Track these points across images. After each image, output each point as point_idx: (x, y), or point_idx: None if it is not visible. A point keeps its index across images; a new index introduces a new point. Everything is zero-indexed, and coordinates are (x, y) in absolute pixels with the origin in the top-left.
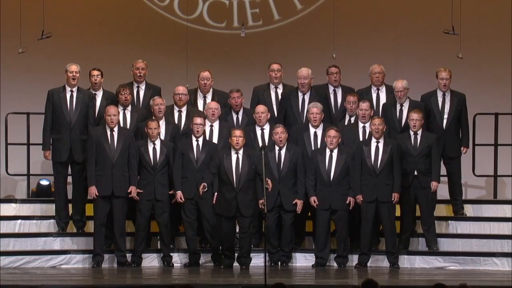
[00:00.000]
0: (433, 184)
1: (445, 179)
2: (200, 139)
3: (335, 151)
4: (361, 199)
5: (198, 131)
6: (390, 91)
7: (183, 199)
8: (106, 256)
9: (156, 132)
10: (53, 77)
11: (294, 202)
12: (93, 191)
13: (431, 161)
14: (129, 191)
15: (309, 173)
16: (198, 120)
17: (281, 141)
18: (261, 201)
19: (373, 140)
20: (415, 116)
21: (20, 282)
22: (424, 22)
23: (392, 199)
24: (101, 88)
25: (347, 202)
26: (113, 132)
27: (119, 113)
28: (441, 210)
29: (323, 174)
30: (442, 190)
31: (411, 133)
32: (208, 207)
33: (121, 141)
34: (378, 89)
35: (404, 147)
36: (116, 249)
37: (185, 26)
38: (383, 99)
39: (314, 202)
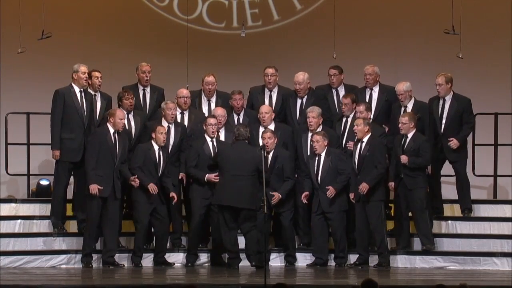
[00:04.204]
0: (402, 157)
1: (446, 179)
2: (214, 140)
3: (323, 155)
4: (352, 197)
5: (213, 132)
6: (383, 91)
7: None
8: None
9: (164, 136)
10: (53, 76)
11: (274, 197)
12: (95, 187)
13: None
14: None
15: (306, 177)
16: (212, 120)
17: (268, 146)
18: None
19: (360, 141)
20: (402, 119)
21: (20, 282)
22: (424, 22)
23: (359, 188)
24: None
25: (327, 187)
26: (116, 135)
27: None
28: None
29: (312, 177)
30: (444, 190)
31: (404, 135)
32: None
33: (122, 143)
34: (371, 89)
35: (396, 149)
36: (108, 249)
37: (185, 26)
38: (374, 98)
39: (305, 197)
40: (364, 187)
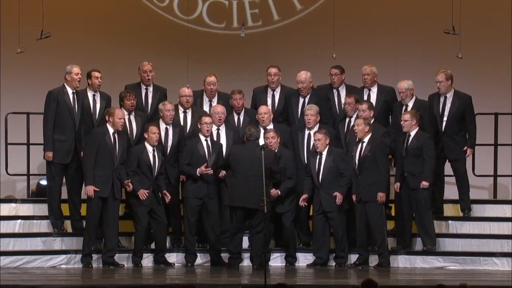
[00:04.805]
0: (422, 183)
1: (446, 179)
2: (209, 139)
3: (324, 153)
4: (355, 199)
5: (207, 130)
6: (381, 91)
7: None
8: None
9: (157, 136)
10: (53, 77)
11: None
12: (91, 189)
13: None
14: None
15: (307, 174)
16: (207, 119)
17: (271, 145)
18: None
19: (360, 141)
20: (404, 117)
21: (20, 282)
22: (424, 22)
23: (377, 199)
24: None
25: (334, 194)
26: (115, 135)
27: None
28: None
29: (313, 176)
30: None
31: (407, 134)
32: (215, 207)
33: (122, 143)
34: (369, 90)
35: (399, 149)
36: (108, 249)
37: (185, 26)
38: (373, 99)
39: (303, 200)
40: (381, 196)
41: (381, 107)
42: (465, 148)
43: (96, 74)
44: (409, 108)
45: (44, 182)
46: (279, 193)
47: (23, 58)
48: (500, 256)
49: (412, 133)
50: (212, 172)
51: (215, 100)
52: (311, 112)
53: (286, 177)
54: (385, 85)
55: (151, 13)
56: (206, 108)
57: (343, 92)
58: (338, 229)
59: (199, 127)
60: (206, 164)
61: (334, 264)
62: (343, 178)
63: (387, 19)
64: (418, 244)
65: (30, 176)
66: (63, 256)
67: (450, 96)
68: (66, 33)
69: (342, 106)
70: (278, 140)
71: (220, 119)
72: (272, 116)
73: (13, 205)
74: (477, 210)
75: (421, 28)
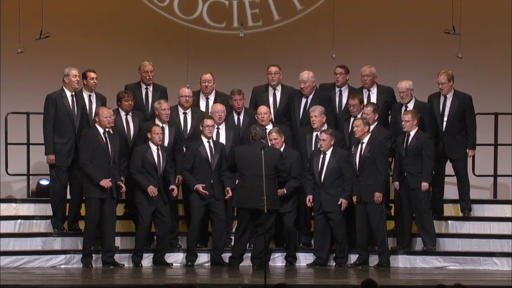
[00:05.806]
0: (423, 184)
1: (446, 178)
2: (211, 140)
3: (328, 154)
4: (355, 200)
5: (209, 132)
6: (381, 91)
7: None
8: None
9: (160, 136)
10: (52, 77)
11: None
12: (106, 182)
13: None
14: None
15: (308, 172)
16: (209, 121)
17: (274, 145)
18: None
19: (360, 141)
20: (405, 117)
21: (20, 282)
22: (424, 22)
23: (374, 199)
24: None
25: (339, 203)
26: (106, 134)
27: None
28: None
29: (315, 175)
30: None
31: (406, 133)
32: (222, 208)
33: (113, 142)
34: (369, 91)
35: (399, 148)
36: (106, 249)
37: (185, 26)
38: (373, 100)
39: (309, 201)
40: (378, 196)
41: (382, 107)
42: (467, 150)
43: (92, 74)
44: (408, 109)
45: (44, 182)
46: (285, 191)
47: (23, 58)
48: (500, 256)
49: (412, 133)
50: (207, 194)
51: (211, 97)
52: (315, 113)
53: (291, 177)
54: (384, 85)
55: (151, 13)
56: (203, 104)
57: (345, 93)
58: (338, 229)
59: (201, 129)
60: (205, 184)
61: (334, 264)
62: (346, 181)
63: (387, 19)
64: (418, 244)
65: (30, 176)
66: (63, 256)
67: (450, 96)
68: (66, 33)
69: (343, 106)
70: (282, 139)
71: (220, 118)
72: (271, 116)
73: (13, 205)
74: (477, 210)
75: (421, 28)
